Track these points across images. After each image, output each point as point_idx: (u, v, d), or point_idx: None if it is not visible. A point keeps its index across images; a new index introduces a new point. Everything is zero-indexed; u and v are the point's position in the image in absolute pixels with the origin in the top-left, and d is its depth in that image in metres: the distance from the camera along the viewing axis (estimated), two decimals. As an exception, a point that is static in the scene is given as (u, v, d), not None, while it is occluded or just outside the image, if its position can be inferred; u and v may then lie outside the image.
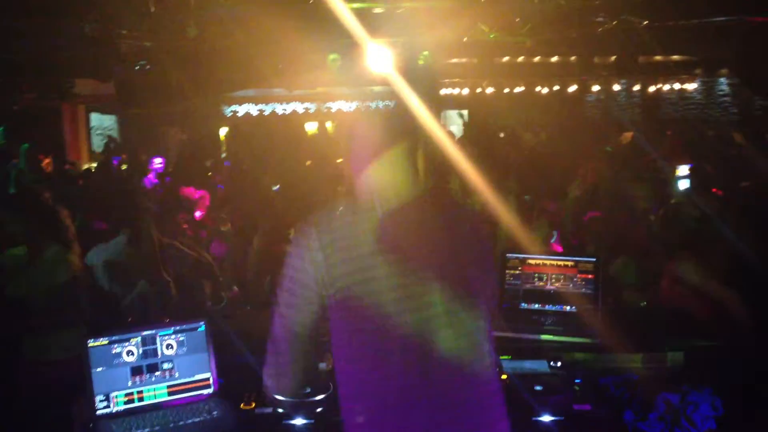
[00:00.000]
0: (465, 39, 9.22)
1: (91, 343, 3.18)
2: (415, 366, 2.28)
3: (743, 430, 3.15)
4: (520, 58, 13.48)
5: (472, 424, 2.31)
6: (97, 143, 17.33)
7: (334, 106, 17.54)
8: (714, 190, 8.75)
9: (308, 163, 12.33)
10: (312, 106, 17.39)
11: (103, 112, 17.82)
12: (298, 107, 17.29)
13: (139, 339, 3.27)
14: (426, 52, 10.22)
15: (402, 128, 2.44)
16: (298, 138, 15.13)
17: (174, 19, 7.91)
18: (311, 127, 17.44)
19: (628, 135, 13.99)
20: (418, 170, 2.42)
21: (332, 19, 8.08)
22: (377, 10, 9.49)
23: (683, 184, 9.80)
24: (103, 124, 18.08)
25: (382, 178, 2.40)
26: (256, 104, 16.98)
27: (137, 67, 9.75)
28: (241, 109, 16.95)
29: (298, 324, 2.39)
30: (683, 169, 10.10)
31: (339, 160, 11.87)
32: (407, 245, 2.32)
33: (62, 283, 4.33)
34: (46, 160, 12.69)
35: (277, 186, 9.60)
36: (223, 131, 16.86)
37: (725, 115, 16.84)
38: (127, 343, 3.25)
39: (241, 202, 8.46)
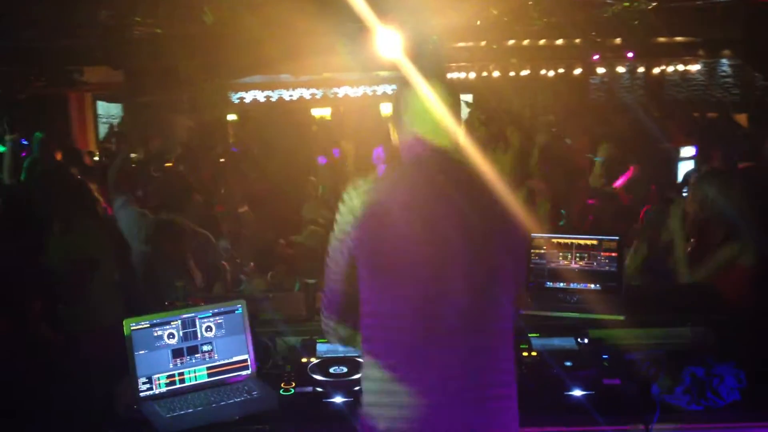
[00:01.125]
0: (478, 23, 9.26)
1: (133, 326, 3.27)
2: (427, 320, 2.37)
3: (766, 401, 3.24)
4: (526, 41, 13.53)
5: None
6: (104, 131, 17.40)
7: (341, 91, 17.58)
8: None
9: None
10: (318, 92, 17.43)
11: (110, 100, 17.87)
12: (305, 93, 17.33)
13: (179, 322, 3.37)
14: (435, 37, 10.27)
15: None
16: (306, 123, 15.24)
17: (189, 6, 7.95)
18: (320, 113, 17.51)
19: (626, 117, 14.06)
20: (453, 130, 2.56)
21: (341, 2, 8.12)
22: (386, -5, 9.53)
23: (688, 166, 9.88)
24: (109, 112, 18.13)
25: (419, 124, 2.53)
26: (262, 90, 17.01)
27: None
28: (248, 96, 16.99)
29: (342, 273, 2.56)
30: (688, 150, 10.17)
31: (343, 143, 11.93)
32: (437, 214, 2.40)
33: (91, 255, 4.45)
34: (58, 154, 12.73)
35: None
36: (230, 117, 16.90)
37: (727, 97, 16.90)
38: (168, 326, 3.34)
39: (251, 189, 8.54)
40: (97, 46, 9.80)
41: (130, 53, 10.24)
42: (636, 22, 8.53)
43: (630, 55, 9.82)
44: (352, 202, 2.47)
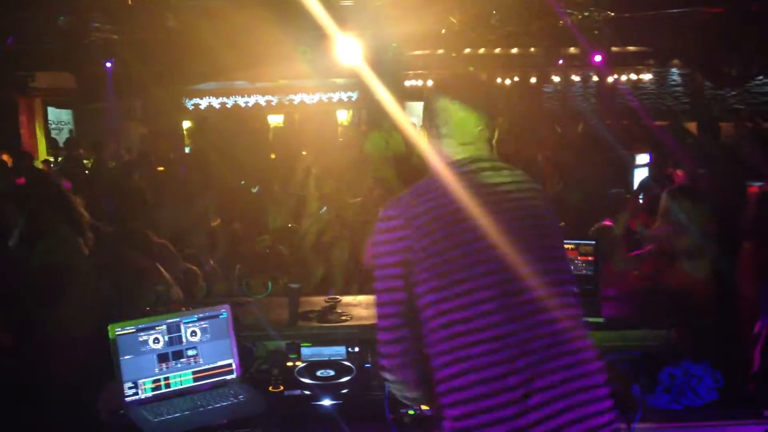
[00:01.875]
0: (443, 31, 9.35)
1: (118, 331, 3.25)
2: (512, 334, 2.27)
3: (742, 399, 3.33)
4: (482, 50, 13.69)
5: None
6: (56, 137, 17.14)
7: (296, 98, 17.55)
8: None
9: (272, 156, 12.34)
10: (274, 99, 17.37)
11: (60, 106, 17.61)
12: (261, 100, 17.27)
13: (164, 327, 3.35)
14: (395, 44, 10.34)
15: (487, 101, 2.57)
16: (263, 131, 15.19)
17: (152, 12, 7.90)
18: (275, 120, 17.47)
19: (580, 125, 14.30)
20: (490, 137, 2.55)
21: (301, 11, 8.13)
22: (346, 3, 9.59)
23: (642, 173, 10.08)
24: (60, 118, 17.87)
25: (460, 138, 2.50)
26: (217, 97, 16.91)
27: (108, 64, 9.69)
28: (203, 102, 16.88)
29: (406, 314, 2.41)
30: (642, 158, 10.38)
31: (303, 153, 11.94)
32: (489, 210, 2.36)
33: (66, 262, 4.40)
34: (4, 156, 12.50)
35: (257, 188, 9.59)
36: (185, 125, 16.76)
37: (677, 105, 17.28)
38: (153, 331, 3.32)
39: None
40: (54, 51, 9.68)
41: (86, 58, 10.13)
42: (596, 32, 8.69)
43: (597, 58, 9.96)
44: (399, 211, 2.41)
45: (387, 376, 2.46)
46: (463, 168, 2.45)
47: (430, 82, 16.05)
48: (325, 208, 6.34)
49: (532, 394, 2.22)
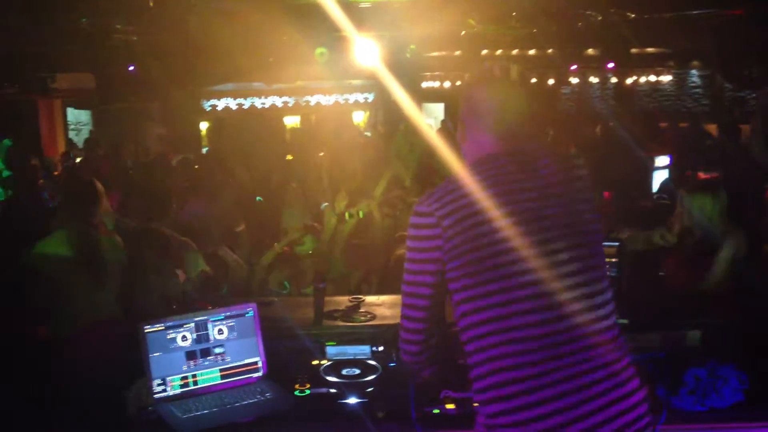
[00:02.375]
0: (463, 33, 9.37)
1: (147, 329, 3.28)
2: (541, 331, 2.27)
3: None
4: (499, 51, 13.68)
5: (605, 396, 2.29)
6: (74, 138, 17.25)
7: (313, 99, 17.62)
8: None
9: (289, 157, 12.35)
10: (291, 100, 17.46)
11: (79, 107, 17.74)
12: (277, 101, 17.35)
13: (192, 324, 3.38)
14: (413, 46, 10.35)
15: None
16: (280, 131, 15.23)
17: (172, 14, 7.96)
18: (292, 121, 17.52)
19: (599, 126, 14.28)
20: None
21: (319, 12, 8.17)
22: (364, 4, 9.61)
23: (662, 175, 10.05)
24: (79, 119, 18.00)
25: (497, 113, 2.49)
26: (234, 98, 17.00)
27: (131, 67, 9.75)
28: (220, 103, 16.96)
29: (424, 298, 2.48)
30: (662, 160, 10.34)
31: (321, 154, 11.96)
32: (522, 197, 2.36)
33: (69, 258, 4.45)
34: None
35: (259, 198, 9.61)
36: (203, 126, 16.84)
37: (697, 107, 17.23)
38: (181, 329, 3.35)
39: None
40: (75, 52, 9.75)
41: (106, 60, 10.21)
42: (617, 33, 8.70)
43: (610, 65, 9.97)
44: (431, 208, 2.41)
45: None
46: (495, 162, 2.43)
47: (447, 84, 16.07)
48: (360, 212, 6.35)
49: (567, 395, 2.23)
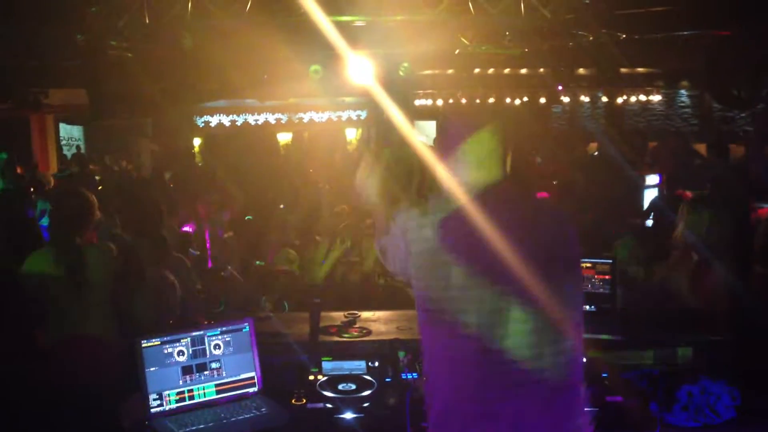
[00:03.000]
0: (457, 51, 9.43)
1: (144, 343, 3.30)
2: (482, 371, 2.37)
3: (760, 417, 3.35)
4: (491, 70, 13.76)
5: None
6: (67, 154, 17.27)
7: (306, 116, 17.68)
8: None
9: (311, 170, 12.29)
10: (284, 117, 17.50)
11: (71, 122, 17.75)
12: (270, 118, 17.39)
13: (188, 340, 3.40)
14: (406, 64, 10.40)
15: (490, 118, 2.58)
16: (274, 148, 15.27)
17: (167, 31, 7.99)
18: (284, 138, 17.57)
19: (593, 145, 14.36)
20: (504, 161, 2.54)
21: (313, 31, 8.20)
22: (358, 23, 9.65)
23: (652, 193, 10.12)
24: (71, 134, 18.01)
25: (468, 162, 2.51)
26: (228, 115, 17.02)
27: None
28: (213, 120, 16.99)
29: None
30: (652, 179, 10.41)
31: (311, 170, 12.00)
32: (478, 246, 2.36)
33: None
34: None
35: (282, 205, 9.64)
36: (196, 142, 16.87)
37: (686, 126, 17.34)
38: (177, 344, 3.37)
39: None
40: (69, 68, 9.75)
41: (100, 76, 10.21)
42: (608, 53, 8.76)
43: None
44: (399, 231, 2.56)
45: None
46: (473, 194, 2.46)
47: (440, 102, 16.14)
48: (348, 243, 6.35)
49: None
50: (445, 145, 2.59)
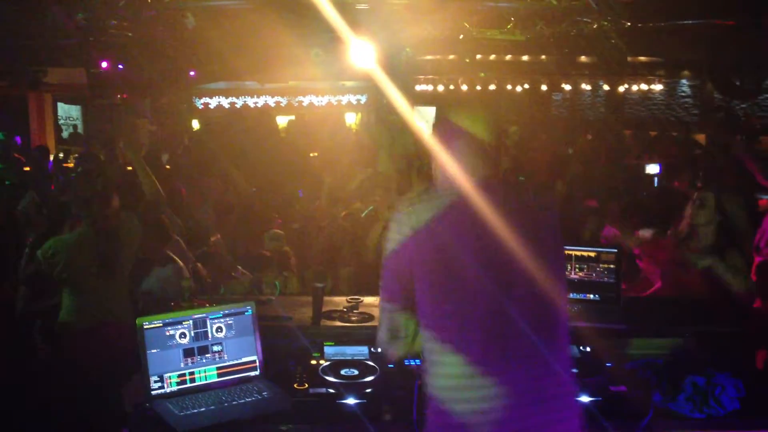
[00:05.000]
0: (461, 36, 9.39)
1: (146, 325, 3.27)
2: (492, 345, 2.46)
3: (764, 409, 3.34)
4: (492, 56, 13.72)
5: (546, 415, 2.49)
6: (66, 133, 17.21)
7: (306, 100, 17.63)
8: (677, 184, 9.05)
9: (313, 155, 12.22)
10: (283, 100, 17.45)
11: (69, 102, 17.67)
12: (270, 101, 17.33)
13: (191, 322, 3.36)
14: (408, 49, 10.36)
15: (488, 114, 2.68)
16: (274, 131, 15.14)
17: (168, 12, 7.94)
18: (283, 121, 17.46)
19: (589, 135, 14.35)
20: (497, 156, 2.66)
21: (315, 14, 8.16)
22: (360, 6, 9.61)
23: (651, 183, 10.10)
24: (69, 113, 17.92)
25: (464, 157, 2.61)
26: (227, 97, 16.96)
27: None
28: (212, 102, 16.92)
29: (398, 298, 2.62)
30: (652, 168, 10.39)
31: (313, 154, 11.93)
32: (483, 229, 2.48)
33: None
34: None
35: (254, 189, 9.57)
36: (194, 124, 16.78)
37: (687, 116, 17.30)
38: (179, 326, 3.34)
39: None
40: (69, 47, 9.71)
41: (102, 56, 10.17)
42: (612, 41, 8.73)
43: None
44: (409, 219, 2.55)
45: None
46: (468, 185, 2.56)
47: (440, 87, 16.10)
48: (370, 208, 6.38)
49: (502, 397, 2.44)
50: (442, 135, 2.68)
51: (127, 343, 3.47)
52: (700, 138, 13.20)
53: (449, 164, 2.62)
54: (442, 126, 2.69)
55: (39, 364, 4.15)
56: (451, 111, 2.70)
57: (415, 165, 7.68)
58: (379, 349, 2.79)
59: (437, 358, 2.52)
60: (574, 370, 2.68)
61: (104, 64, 10.54)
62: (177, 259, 5.28)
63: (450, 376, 2.50)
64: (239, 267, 6.15)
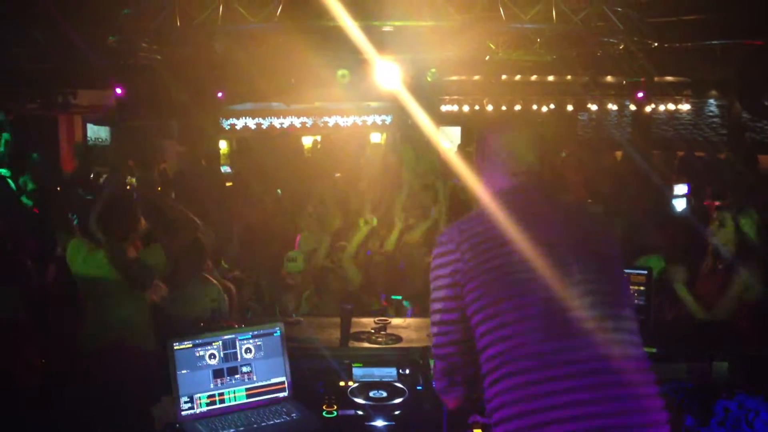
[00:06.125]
0: (487, 58, 9.42)
1: (176, 346, 3.29)
2: (555, 337, 2.31)
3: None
4: (518, 77, 13.74)
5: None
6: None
7: (331, 120, 17.73)
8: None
9: (337, 175, 12.25)
10: (309, 121, 17.56)
11: (98, 123, 17.83)
12: (295, 121, 17.44)
13: (220, 343, 3.39)
14: (433, 69, 10.40)
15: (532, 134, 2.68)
16: (300, 152, 15.23)
17: (197, 35, 8.05)
18: (309, 142, 17.52)
19: (618, 153, 14.28)
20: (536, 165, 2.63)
21: (342, 36, 8.22)
22: (386, 28, 9.66)
23: (680, 203, 10.01)
24: (98, 134, 18.10)
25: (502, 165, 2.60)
26: (253, 118, 17.08)
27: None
28: (239, 123, 17.05)
29: (456, 333, 2.51)
30: (680, 188, 10.31)
31: (337, 174, 11.96)
32: (539, 230, 2.43)
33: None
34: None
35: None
36: (222, 145, 16.91)
37: (715, 136, 17.20)
38: (209, 347, 3.36)
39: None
40: (99, 69, 9.83)
41: (133, 78, 10.30)
42: (641, 63, 8.73)
43: (640, 94, 9.98)
44: (451, 235, 2.51)
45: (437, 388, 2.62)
46: (512, 196, 2.54)
47: (465, 108, 16.12)
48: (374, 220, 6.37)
49: (572, 405, 2.22)
50: (483, 153, 2.68)
51: (148, 364, 3.49)
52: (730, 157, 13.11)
53: (493, 174, 2.63)
54: (481, 146, 2.69)
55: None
56: (493, 131, 2.71)
57: (440, 184, 7.70)
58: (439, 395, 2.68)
59: (494, 377, 2.36)
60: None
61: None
62: (212, 279, 5.29)
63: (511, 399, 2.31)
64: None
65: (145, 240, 4.71)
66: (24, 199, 9.12)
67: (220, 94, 12.95)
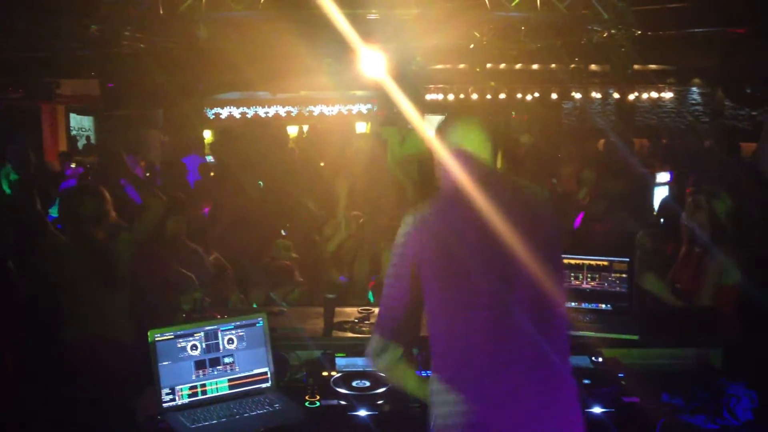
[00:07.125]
0: (471, 46, 9.39)
1: (157, 336, 3.28)
2: (497, 326, 2.51)
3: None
4: (502, 65, 13.72)
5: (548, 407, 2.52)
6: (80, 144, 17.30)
7: (316, 109, 17.68)
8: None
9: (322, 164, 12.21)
10: (294, 110, 17.50)
11: (81, 113, 17.75)
12: (281, 110, 17.38)
13: (202, 334, 3.38)
14: (419, 58, 10.36)
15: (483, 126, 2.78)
16: (286, 141, 15.16)
17: (181, 23, 7.99)
18: (294, 131, 17.47)
19: (601, 141, 14.30)
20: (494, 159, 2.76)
21: (326, 24, 8.17)
22: (371, 16, 9.61)
23: (662, 191, 10.03)
24: (81, 124, 18.01)
25: (466, 159, 2.70)
26: (238, 107, 17.00)
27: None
28: (224, 112, 16.97)
29: (400, 298, 2.65)
30: (663, 176, 10.34)
31: (321, 164, 11.93)
32: (482, 222, 2.55)
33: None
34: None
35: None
36: (206, 134, 16.81)
37: (697, 124, 17.26)
38: (191, 338, 3.35)
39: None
40: (82, 59, 9.76)
41: (116, 67, 10.21)
42: (623, 49, 8.72)
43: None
44: (412, 217, 2.64)
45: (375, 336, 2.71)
46: (471, 184, 2.64)
47: (451, 96, 16.10)
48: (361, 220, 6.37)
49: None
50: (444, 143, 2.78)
51: (128, 357, 3.47)
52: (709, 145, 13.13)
53: (448, 164, 2.70)
54: (439, 137, 2.79)
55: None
56: (447, 125, 2.81)
57: (423, 170, 7.69)
58: (368, 360, 2.75)
59: (439, 375, 2.58)
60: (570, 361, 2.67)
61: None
62: (188, 273, 5.25)
63: (445, 397, 2.53)
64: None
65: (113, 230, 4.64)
66: (5, 187, 9.08)
67: (201, 86, 12.89)
